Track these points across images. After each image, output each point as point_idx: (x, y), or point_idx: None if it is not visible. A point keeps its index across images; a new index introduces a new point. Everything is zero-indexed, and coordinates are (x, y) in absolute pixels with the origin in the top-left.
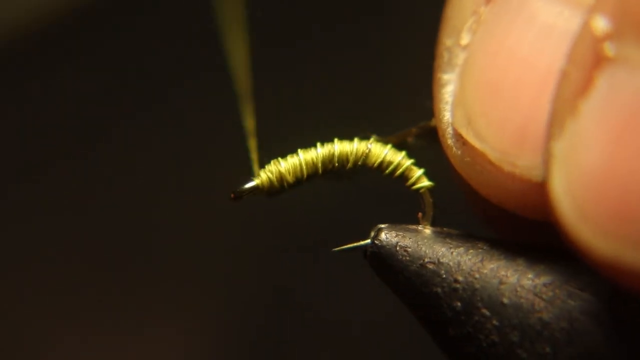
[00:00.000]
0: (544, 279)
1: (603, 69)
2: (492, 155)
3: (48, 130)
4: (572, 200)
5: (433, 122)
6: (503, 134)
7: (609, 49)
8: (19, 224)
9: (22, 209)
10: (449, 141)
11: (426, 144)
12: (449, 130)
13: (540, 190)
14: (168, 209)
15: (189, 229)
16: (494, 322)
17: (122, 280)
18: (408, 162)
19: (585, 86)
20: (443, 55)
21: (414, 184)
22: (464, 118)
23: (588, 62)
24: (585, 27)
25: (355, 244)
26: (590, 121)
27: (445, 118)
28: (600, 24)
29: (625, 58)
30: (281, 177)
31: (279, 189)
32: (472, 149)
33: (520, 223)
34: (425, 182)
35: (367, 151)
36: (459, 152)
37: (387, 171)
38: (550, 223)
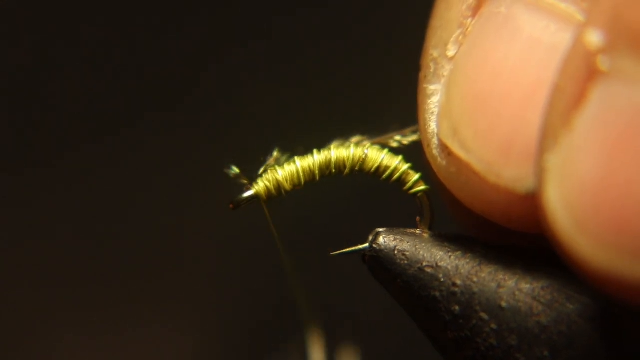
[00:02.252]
0: (542, 283)
1: (597, 83)
2: (477, 166)
3: (49, 128)
4: (568, 212)
5: (417, 134)
6: (489, 146)
7: (602, 62)
8: (18, 221)
9: (23, 206)
10: (434, 151)
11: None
12: (434, 140)
13: (525, 202)
14: (168, 209)
15: (189, 229)
16: (492, 325)
17: (122, 279)
18: (405, 167)
19: (579, 100)
20: (429, 66)
21: (411, 187)
22: (449, 129)
23: (582, 75)
24: (578, 40)
25: (353, 248)
26: (584, 134)
27: (431, 128)
28: (594, 38)
29: (618, 71)
30: (279, 185)
31: (276, 196)
32: (458, 159)
33: (503, 236)
34: (422, 186)
35: (363, 156)
36: (444, 162)
37: (384, 176)
38: (534, 235)
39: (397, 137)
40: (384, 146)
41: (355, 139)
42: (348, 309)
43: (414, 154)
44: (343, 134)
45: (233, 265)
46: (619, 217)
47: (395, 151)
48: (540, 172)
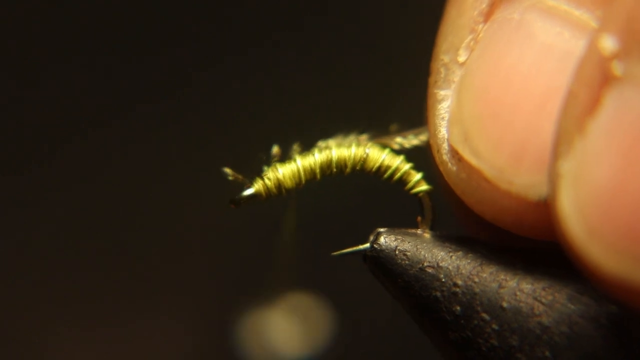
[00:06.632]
0: (543, 283)
1: (611, 88)
2: (488, 172)
3: (47, 127)
4: (581, 218)
5: (426, 136)
6: (500, 152)
7: (616, 68)
8: (18, 220)
9: (22, 204)
10: (444, 157)
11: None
12: (445, 146)
13: (536, 209)
14: (169, 206)
15: (189, 227)
16: (494, 326)
17: (121, 277)
18: (406, 166)
19: (593, 105)
20: (440, 71)
21: (412, 187)
22: (460, 135)
23: (596, 81)
24: (592, 46)
25: (354, 248)
26: (599, 140)
27: (441, 134)
28: (608, 43)
29: (633, 76)
30: (279, 184)
31: (277, 195)
32: (468, 165)
33: (507, 238)
34: (424, 186)
35: (365, 156)
36: (454, 168)
37: (385, 175)
38: (545, 241)
39: (399, 139)
40: (385, 146)
41: (356, 137)
42: (348, 308)
43: (416, 153)
44: (344, 132)
45: (232, 267)
46: (633, 224)
47: (396, 151)
48: (553, 178)
